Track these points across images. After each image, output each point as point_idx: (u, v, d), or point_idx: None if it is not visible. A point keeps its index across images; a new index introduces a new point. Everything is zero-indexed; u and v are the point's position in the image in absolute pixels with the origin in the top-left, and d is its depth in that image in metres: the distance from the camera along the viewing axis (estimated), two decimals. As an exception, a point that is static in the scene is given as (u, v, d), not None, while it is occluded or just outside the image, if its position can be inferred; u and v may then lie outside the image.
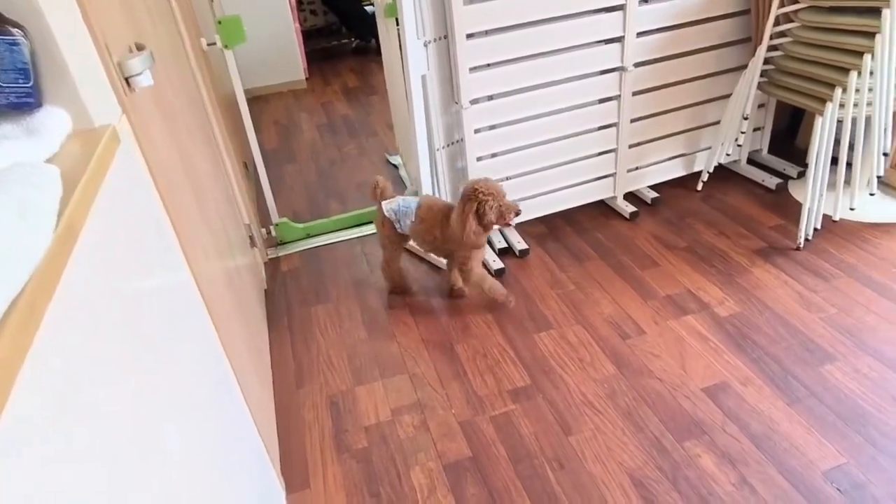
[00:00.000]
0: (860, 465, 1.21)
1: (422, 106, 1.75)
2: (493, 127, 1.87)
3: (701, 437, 1.32)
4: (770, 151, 2.34)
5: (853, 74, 1.58)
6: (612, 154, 2.06)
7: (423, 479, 1.31)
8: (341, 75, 4.17)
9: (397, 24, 1.68)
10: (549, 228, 2.13)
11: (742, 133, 2.01)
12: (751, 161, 2.33)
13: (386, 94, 2.70)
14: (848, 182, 1.80)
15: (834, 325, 1.56)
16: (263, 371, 1.55)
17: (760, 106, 2.21)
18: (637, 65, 1.90)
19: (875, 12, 1.50)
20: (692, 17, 1.88)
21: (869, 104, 1.60)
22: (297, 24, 3.86)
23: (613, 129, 2.00)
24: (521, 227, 2.10)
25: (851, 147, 1.70)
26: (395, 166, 2.71)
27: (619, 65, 1.87)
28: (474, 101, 1.78)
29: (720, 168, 2.30)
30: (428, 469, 1.33)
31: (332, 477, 1.34)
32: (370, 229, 2.23)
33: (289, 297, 1.94)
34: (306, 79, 4.02)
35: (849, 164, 1.74)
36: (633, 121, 2.01)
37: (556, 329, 1.67)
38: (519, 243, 2.02)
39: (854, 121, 1.64)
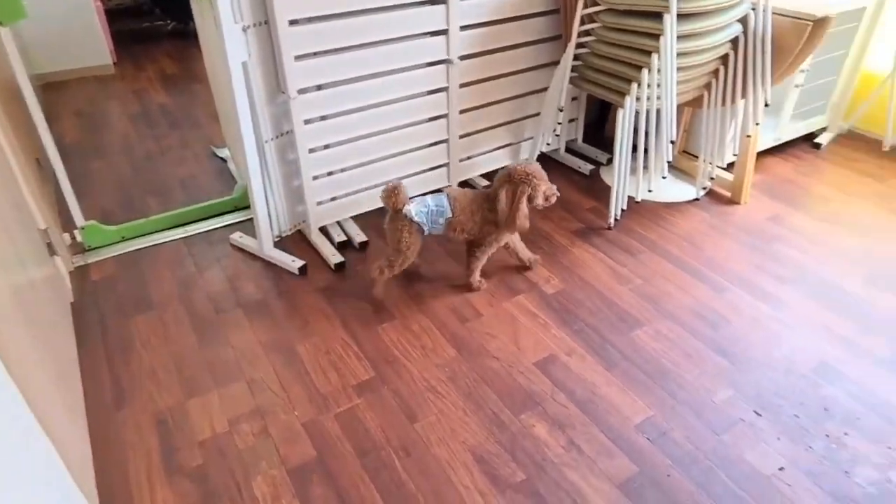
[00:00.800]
0: (664, 415, 1.39)
1: (244, 95, 1.64)
2: (324, 118, 1.82)
3: (535, 408, 1.41)
4: (584, 140, 2.57)
5: (645, 72, 1.78)
6: (445, 144, 2.12)
7: (266, 488, 1.24)
8: (157, 60, 3.78)
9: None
10: (389, 219, 2.13)
11: (559, 124, 2.17)
12: (568, 149, 2.54)
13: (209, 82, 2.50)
14: (647, 167, 2.04)
15: (640, 294, 1.76)
16: (72, 397, 1.36)
17: (574, 99, 2.42)
18: (462, 58, 1.96)
19: (659, 16, 1.71)
20: (509, 14, 1.98)
21: (658, 98, 1.81)
22: (98, 2, 3.42)
23: (444, 120, 2.06)
24: (359, 219, 2.08)
25: (648, 136, 1.92)
26: (223, 159, 2.53)
27: (445, 57, 1.92)
28: (302, 91, 1.72)
29: (542, 156, 2.47)
30: (271, 477, 1.27)
31: (162, 503, 1.22)
32: (198, 228, 2.06)
33: (102, 309, 1.72)
34: (114, 63, 3.59)
35: (647, 151, 1.96)
36: (462, 112, 2.08)
37: (400, 319, 1.69)
38: (358, 236, 1.99)
39: (648, 113, 1.85)
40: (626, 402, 1.42)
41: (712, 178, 2.27)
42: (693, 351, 1.56)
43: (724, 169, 2.29)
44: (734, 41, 1.87)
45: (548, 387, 1.47)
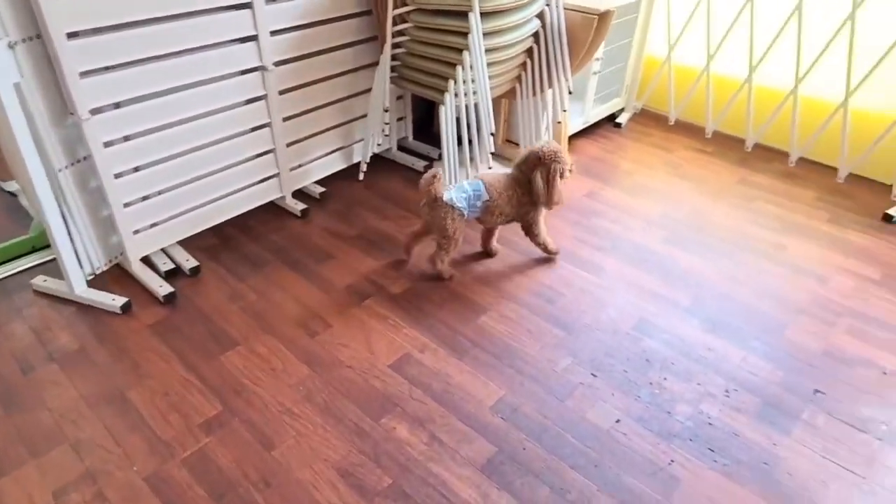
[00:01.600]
0: (514, 392, 1.47)
1: (22, 121, 1.43)
2: (127, 138, 1.65)
3: (394, 410, 1.42)
4: (415, 137, 2.63)
5: (459, 69, 1.86)
6: (272, 155, 2.03)
7: (107, 559, 1.11)
8: None
9: (-38, 21, 1.33)
10: (221, 239, 2.00)
11: (386, 124, 2.19)
12: (401, 148, 2.57)
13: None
14: (473, 159, 2.13)
15: (481, 281, 1.85)
16: None
17: (399, 98, 2.45)
18: (278, 63, 1.89)
19: (465, 14, 1.79)
20: (321, 17, 1.95)
21: (474, 93, 1.90)
22: None
23: (267, 130, 1.97)
24: (187, 243, 1.93)
25: (470, 129, 2.01)
26: (12, 194, 2.20)
27: (258, 64, 1.84)
28: (96, 111, 1.54)
29: (377, 157, 2.48)
30: (113, 546, 1.14)
31: None
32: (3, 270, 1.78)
33: None
34: None
35: (471, 143, 2.05)
36: (285, 119, 2.01)
37: (244, 344, 1.60)
38: (188, 261, 1.85)
39: (466, 108, 1.93)
40: (479, 386, 1.49)
41: (534, 163, 2.44)
42: (534, 327, 1.67)
43: (543, 153, 2.47)
44: (536, 36, 2.02)
45: (405, 386, 1.48)
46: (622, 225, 2.14)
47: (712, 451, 1.34)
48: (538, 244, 1.91)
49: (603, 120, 2.93)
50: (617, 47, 2.71)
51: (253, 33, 1.78)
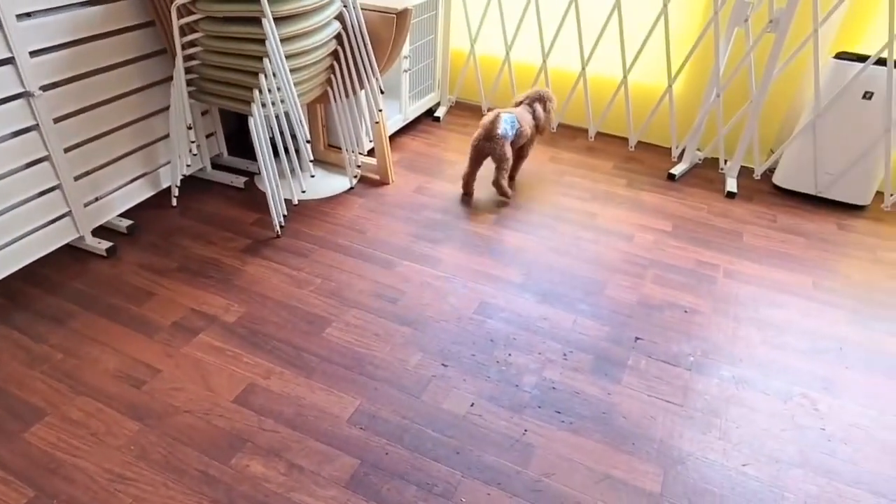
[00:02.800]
0: (370, 400, 1.45)
1: None
2: None
3: (244, 446, 1.33)
4: (231, 153, 2.47)
5: (262, 77, 1.77)
6: (58, 191, 1.78)
7: None
8: None
9: None
10: (8, 297, 1.72)
11: (193, 142, 2.03)
12: (216, 165, 2.41)
13: None
14: (294, 169, 2.05)
15: (322, 292, 1.79)
16: None
17: (205, 113, 2.29)
18: (46, 87, 1.65)
19: (258, 21, 1.70)
20: (93, 31, 1.74)
21: (282, 101, 1.83)
22: None
23: (47, 164, 1.72)
24: (-38, 309, 1.62)
25: (285, 139, 1.93)
26: None
27: (20, 90, 1.59)
28: None
29: (190, 179, 2.30)
30: None
31: None
32: None
33: None
34: None
35: (289, 153, 1.97)
36: (68, 150, 1.77)
37: (53, 413, 1.38)
38: (-35, 330, 1.56)
39: (277, 117, 1.86)
40: (333, 402, 1.44)
41: (359, 166, 2.42)
42: (381, 330, 1.67)
43: (367, 155, 2.46)
44: (339, 38, 2.00)
45: (253, 419, 1.39)
46: (452, 214, 2.21)
47: (559, 412, 1.44)
48: (512, 172, 2.44)
49: (422, 115, 3.00)
50: (423, 44, 2.79)
51: (7, 56, 1.54)
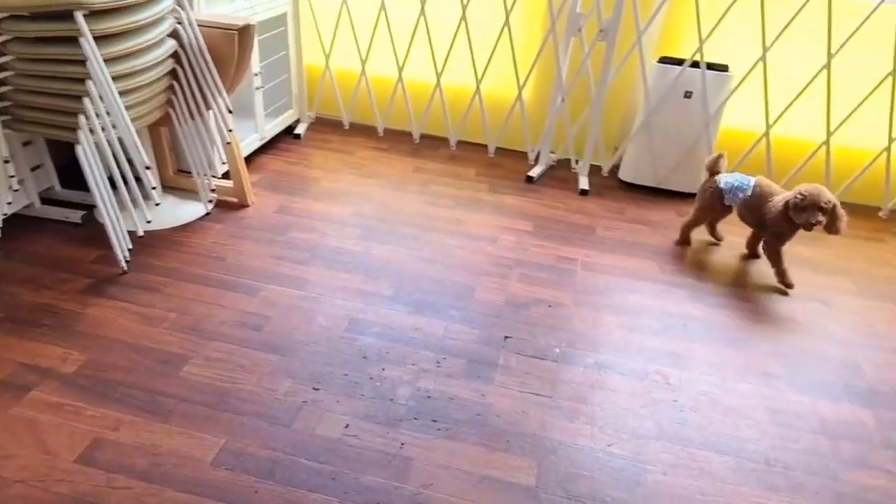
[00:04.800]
0: (235, 436, 1.36)
1: None
2: None
3: (90, 511, 1.19)
4: (65, 185, 2.23)
5: (87, 101, 1.62)
6: None
7: None
8: None
9: None
10: None
11: (12, 177, 1.80)
12: (48, 200, 2.16)
13: None
14: (136, 199, 1.90)
15: (178, 328, 1.66)
16: None
17: (28, 143, 2.05)
18: None
19: (75, 41, 1.55)
20: None
21: (114, 126, 1.68)
22: None
23: None
24: None
25: (121, 166, 1.78)
26: None
27: None
28: None
29: (15, 217, 2.05)
30: None
31: None
32: None
33: None
34: None
35: (127, 182, 1.82)
36: None
37: None
38: None
39: (110, 143, 1.70)
40: (194, 445, 1.34)
41: (214, 190, 2.29)
42: (246, 360, 1.58)
43: (222, 178, 2.34)
44: (176, 57, 1.88)
45: (101, 478, 1.25)
46: (318, 232, 2.16)
47: (435, 421, 1.44)
48: (772, 267, 2.10)
49: (281, 133, 2.91)
50: (275, 60, 2.71)
51: None
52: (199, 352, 1.59)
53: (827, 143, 2.51)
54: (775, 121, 2.50)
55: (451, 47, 2.64)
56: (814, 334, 1.87)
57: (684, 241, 2.32)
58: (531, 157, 2.85)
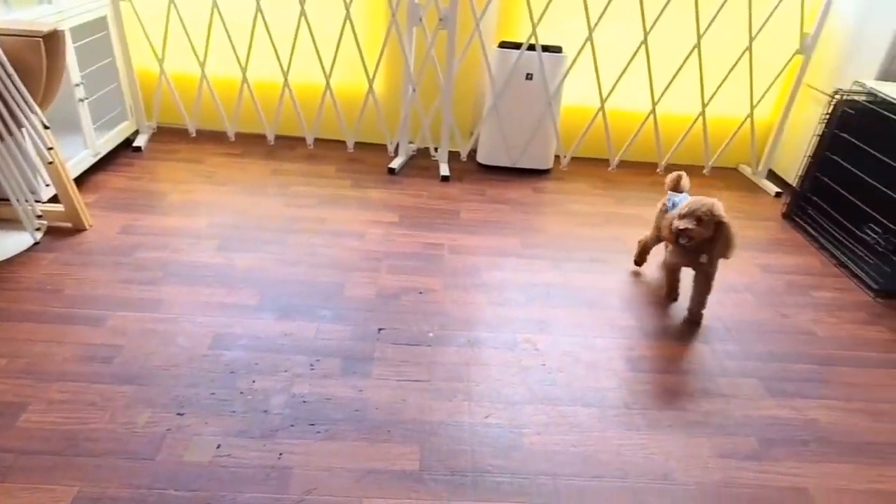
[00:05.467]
0: (91, 482, 1.24)
1: None
2: None
3: None
4: None
5: None
6: None
7: None
8: None
9: None
10: None
11: None
12: None
13: None
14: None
15: (9, 374, 1.48)
16: None
17: None
18: None
19: None
20: None
21: None
22: None
23: None
24: None
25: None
26: None
27: None
28: None
29: None
30: None
31: None
32: None
33: None
34: None
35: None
36: None
37: None
38: None
39: None
40: (42, 500, 1.19)
41: (40, 216, 2.05)
42: (97, 397, 1.44)
43: (50, 202, 2.10)
44: (-33, 69, 1.65)
45: (-77, 559, 1.08)
46: (170, 249, 2.01)
47: (313, 424, 1.41)
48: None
49: (119, 147, 2.67)
50: (100, 68, 2.47)
51: None
52: (39, 396, 1.42)
53: (653, 112, 2.76)
54: (608, 95, 2.71)
55: (294, 44, 2.57)
56: (662, 287, 2.06)
57: (640, 259, 2.14)
58: (391, 149, 2.86)
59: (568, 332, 1.79)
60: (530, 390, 1.56)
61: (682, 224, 1.68)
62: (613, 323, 1.85)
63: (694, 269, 1.85)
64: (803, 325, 1.93)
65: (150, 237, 2.07)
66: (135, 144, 2.70)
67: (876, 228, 2.17)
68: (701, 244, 1.74)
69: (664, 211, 1.96)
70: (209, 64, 2.67)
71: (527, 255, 2.18)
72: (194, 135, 2.86)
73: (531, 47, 2.56)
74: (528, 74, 2.62)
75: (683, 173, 2.05)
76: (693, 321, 1.89)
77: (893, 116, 2.12)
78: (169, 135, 2.86)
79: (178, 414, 1.41)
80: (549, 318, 1.85)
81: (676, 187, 2.03)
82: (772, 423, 1.52)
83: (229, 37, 2.57)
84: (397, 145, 2.84)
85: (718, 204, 1.71)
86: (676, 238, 1.73)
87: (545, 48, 2.59)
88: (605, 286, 2.02)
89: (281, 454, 1.33)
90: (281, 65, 2.61)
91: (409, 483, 1.28)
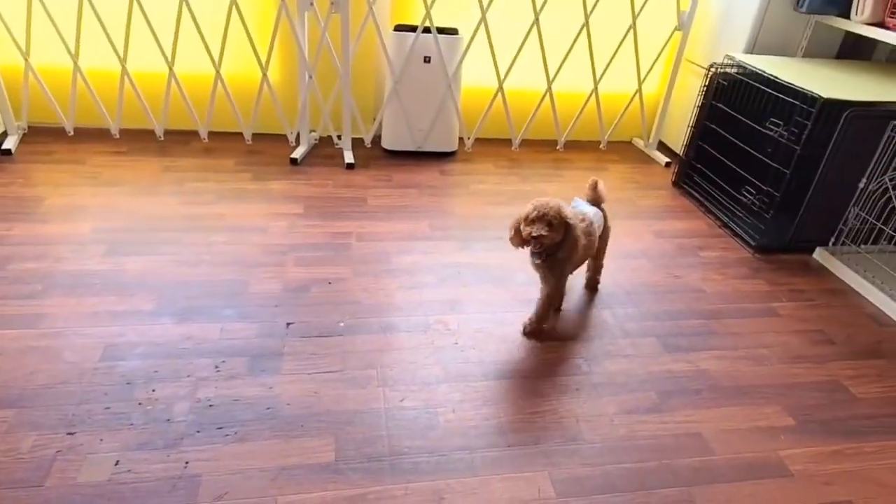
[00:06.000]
0: (-32, 517, 1.13)
1: None
2: None
3: None
4: None
5: None
6: None
7: None
8: None
9: None
10: None
11: None
12: None
13: None
14: None
15: None
16: None
17: None
18: None
19: None
20: None
21: None
22: None
23: None
24: None
25: None
26: None
27: None
28: None
29: None
30: None
31: None
32: None
33: None
34: None
35: None
36: None
37: None
38: None
39: None
40: None
41: None
42: (-29, 426, 1.30)
43: None
44: None
45: None
46: (50, 259, 1.85)
47: (221, 428, 1.35)
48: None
49: (-18, 151, 2.42)
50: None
51: None
52: None
53: (549, 90, 2.84)
54: (505, 75, 2.76)
55: (176, 31, 2.42)
56: (563, 257, 2.14)
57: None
58: (291, 138, 2.77)
59: (478, 310, 1.82)
60: (444, 370, 1.58)
61: (534, 230, 1.53)
62: (521, 297, 1.90)
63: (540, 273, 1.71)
64: (693, 283, 2.07)
65: (25, 247, 1.89)
66: (3, 147, 2.46)
67: (751, 190, 2.35)
68: (550, 247, 1.61)
69: None
70: (82, 56, 2.46)
71: (436, 238, 2.19)
72: (72, 133, 2.64)
73: (427, 30, 2.55)
74: (426, 57, 2.61)
75: (596, 180, 1.79)
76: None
77: (759, 86, 2.31)
78: (43, 135, 2.62)
79: (69, 433, 1.31)
80: (459, 297, 1.88)
81: (592, 196, 1.79)
82: (669, 377, 1.63)
83: (102, 25, 2.38)
84: (298, 135, 2.75)
85: (564, 205, 1.59)
86: (530, 243, 1.58)
87: (441, 30, 2.59)
88: (512, 264, 2.07)
89: (187, 462, 1.27)
90: (164, 54, 2.45)
91: (325, 475, 1.26)
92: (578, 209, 1.74)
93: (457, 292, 1.90)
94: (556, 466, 1.33)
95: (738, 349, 1.77)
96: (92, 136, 2.66)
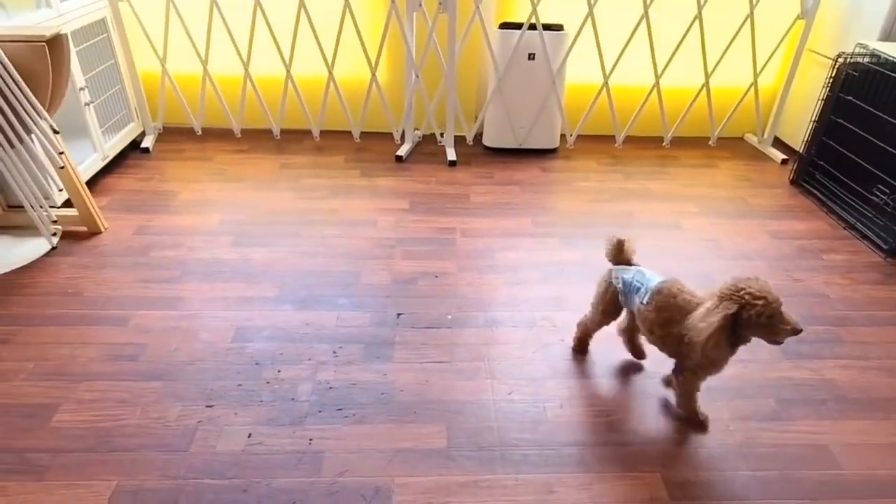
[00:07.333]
0: (128, 475, 1.27)
1: None
2: None
3: None
4: None
5: None
6: None
7: None
8: None
9: None
10: None
11: None
12: None
13: None
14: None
15: (38, 376, 1.51)
16: None
17: None
18: None
19: None
20: None
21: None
22: None
23: None
24: None
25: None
26: None
27: None
28: None
29: None
30: None
31: None
32: None
33: None
34: None
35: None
36: None
37: None
38: None
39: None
40: (82, 496, 1.23)
41: (55, 221, 2.07)
42: (126, 394, 1.46)
43: (63, 206, 2.13)
44: (-23, 79, 1.66)
45: (-26, 556, 1.12)
46: (185, 247, 2.03)
47: (340, 410, 1.43)
48: (675, 387, 1.43)
49: (126, 149, 2.69)
50: (103, 70, 2.48)
51: None
52: (69, 396, 1.45)
53: (657, 86, 2.75)
54: (611, 71, 2.70)
55: (294, 36, 2.57)
56: (668, 255, 2.07)
57: (581, 347, 1.64)
58: (397, 136, 2.87)
59: (584, 308, 1.80)
60: (551, 366, 1.58)
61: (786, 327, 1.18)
62: (629, 296, 1.86)
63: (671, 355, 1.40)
64: (816, 287, 1.94)
65: (164, 236, 2.09)
66: (143, 146, 2.72)
67: (884, 189, 2.17)
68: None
69: (613, 292, 1.46)
70: (211, 62, 2.67)
71: (539, 235, 2.19)
72: (200, 133, 2.87)
73: (532, 27, 2.55)
74: (530, 54, 2.61)
75: (625, 238, 1.47)
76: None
77: (899, 76, 2.12)
78: (175, 134, 2.88)
79: (208, 406, 1.44)
80: (564, 294, 1.87)
81: (619, 257, 1.48)
82: (789, 384, 1.54)
83: (230, 34, 2.57)
84: (403, 133, 2.84)
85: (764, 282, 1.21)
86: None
87: (546, 27, 2.58)
88: (618, 261, 2.03)
89: (311, 440, 1.36)
90: (283, 58, 2.62)
91: (438, 460, 1.31)
92: (651, 282, 1.36)
93: (561, 289, 1.89)
94: (668, 468, 1.30)
95: (870, 359, 1.64)
96: (217, 136, 2.88)
